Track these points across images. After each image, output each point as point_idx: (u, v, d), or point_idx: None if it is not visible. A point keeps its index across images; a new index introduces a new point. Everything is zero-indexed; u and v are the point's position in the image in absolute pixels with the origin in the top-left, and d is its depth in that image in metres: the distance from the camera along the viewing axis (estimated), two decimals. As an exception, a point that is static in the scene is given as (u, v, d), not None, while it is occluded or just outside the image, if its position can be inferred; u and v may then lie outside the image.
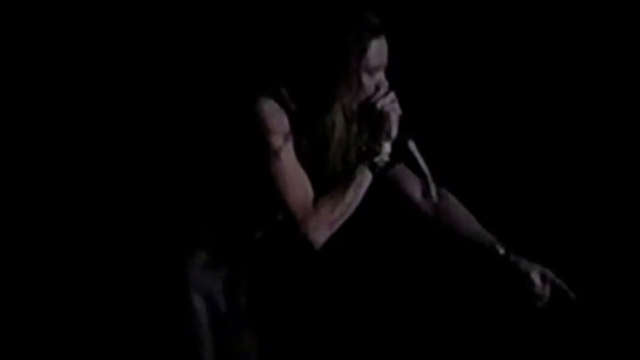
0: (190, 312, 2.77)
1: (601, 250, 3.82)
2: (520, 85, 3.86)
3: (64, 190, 3.86)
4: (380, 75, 2.71)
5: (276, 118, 2.67)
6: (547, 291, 2.85)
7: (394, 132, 2.72)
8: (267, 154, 2.66)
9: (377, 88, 2.71)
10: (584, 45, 3.81)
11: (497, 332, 3.87)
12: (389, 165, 2.75)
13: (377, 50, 2.68)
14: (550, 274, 2.86)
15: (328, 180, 2.74)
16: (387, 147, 2.72)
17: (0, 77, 3.84)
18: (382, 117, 2.71)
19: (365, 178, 2.72)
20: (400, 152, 2.75)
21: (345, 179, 2.72)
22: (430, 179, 2.77)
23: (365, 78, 2.69)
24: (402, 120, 2.73)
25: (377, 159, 2.72)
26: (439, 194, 2.86)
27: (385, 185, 2.89)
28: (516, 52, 3.86)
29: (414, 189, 2.91)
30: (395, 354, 3.94)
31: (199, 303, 2.77)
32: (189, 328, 2.77)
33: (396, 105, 2.72)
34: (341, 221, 2.71)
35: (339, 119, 2.72)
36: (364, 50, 2.66)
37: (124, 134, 3.86)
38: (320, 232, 2.68)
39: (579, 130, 3.85)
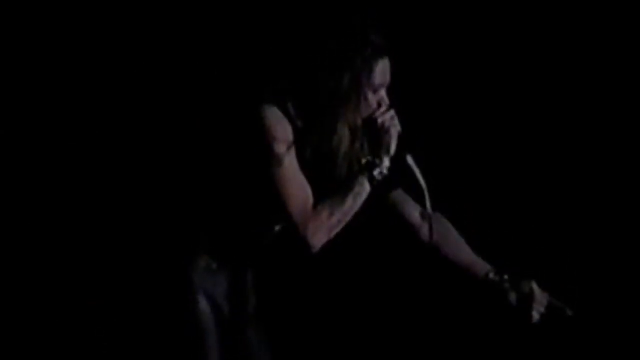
0: (196, 315, 2.86)
1: (598, 260, 3.86)
2: (518, 101, 3.94)
3: (70, 195, 3.93)
4: (383, 93, 2.86)
5: (280, 126, 2.80)
6: (536, 313, 2.95)
7: (394, 147, 2.85)
8: (270, 160, 2.79)
9: (379, 105, 2.85)
10: (581, 52, 3.88)
11: (495, 334, 3.90)
12: (387, 178, 2.88)
13: (382, 69, 2.83)
14: (546, 296, 2.96)
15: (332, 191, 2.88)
16: (386, 161, 2.86)
17: (0, 77, 3.91)
18: (382, 132, 2.85)
19: (363, 189, 2.85)
20: (399, 167, 2.88)
21: (344, 188, 2.85)
22: (427, 193, 2.88)
23: (370, 95, 2.83)
24: (402, 136, 2.86)
25: (376, 172, 2.85)
26: (437, 220, 2.99)
27: (384, 209, 3.02)
28: (513, 68, 3.94)
29: (412, 213, 3.03)
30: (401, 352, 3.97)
31: (203, 306, 2.87)
32: (194, 331, 2.86)
33: (396, 122, 2.86)
34: (338, 228, 2.83)
35: (345, 134, 2.86)
36: (371, 70, 2.81)
37: (129, 138, 3.93)
38: (318, 237, 2.80)
39: (573, 148, 3.91)
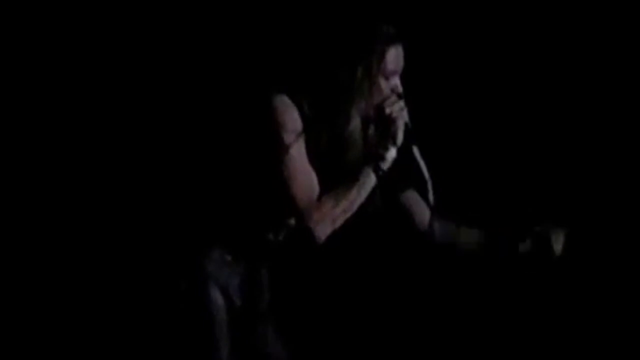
0: (207, 304, 2.87)
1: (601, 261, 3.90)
2: (523, 94, 3.97)
3: (84, 189, 3.92)
4: (396, 80, 2.86)
5: (289, 115, 2.79)
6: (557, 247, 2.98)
7: (400, 138, 2.86)
8: (278, 150, 2.78)
9: (392, 91, 2.86)
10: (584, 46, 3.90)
11: (495, 333, 3.93)
12: (393, 169, 2.89)
13: (394, 55, 2.84)
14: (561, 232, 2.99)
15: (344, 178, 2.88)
16: (392, 151, 2.87)
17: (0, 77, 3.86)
18: (389, 122, 2.86)
19: (368, 180, 2.86)
20: (404, 158, 2.89)
21: (350, 179, 2.86)
22: (430, 184, 2.90)
23: (382, 81, 2.84)
24: (409, 128, 2.87)
25: (381, 163, 2.86)
26: (444, 224, 3.02)
27: (397, 209, 3.05)
28: (521, 65, 3.97)
29: (422, 215, 3.04)
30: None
31: (215, 296, 2.88)
32: (205, 319, 2.87)
33: (404, 113, 2.86)
34: (343, 219, 2.84)
35: (357, 122, 2.86)
36: (382, 56, 2.82)
37: (141, 133, 3.92)
38: (323, 227, 2.81)
39: (580, 145, 3.95)
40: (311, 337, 3.10)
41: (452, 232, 3.07)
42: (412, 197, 3.04)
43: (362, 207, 2.87)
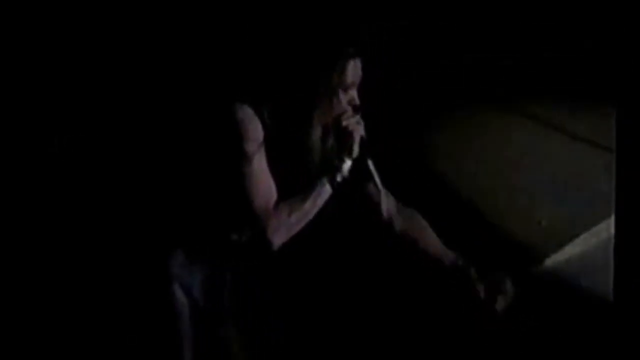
0: (172, 305, 2.93)
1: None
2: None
3: (51, 192, 3.89)
4: (354, 92, 2.93)
5: (251, 125, 2.85)
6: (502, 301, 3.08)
7: (356, 151, 2.94)
8: (239, 159, 2.85)
9: (349, 103, 2.92)
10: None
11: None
12: (348, 181, 2.98)
13: (353, 69, 2.90)
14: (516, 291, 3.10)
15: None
16: (348, 163, 2.95)
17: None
18: (346, 134, 2.94)
19: (324, 190, 2.94)
20: (360, 170, 2.98)
21: (306, 189, 2.94)
22: (383, 195, 3.00)
23: (341, 94, 2.91)
24: (365, 141, 2.95)
25: (337, 174, 2.95)
26: (408, 212, 3.10)
27: (364, 201, 3.12)
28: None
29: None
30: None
31: (180, 297, 2.93)
32: (170, 320, 2.93)
33: (360, 127, 2.94)
34: (298, 227, 2.92)
35: (317, 133, 2.93)
36: (342, 70, 2.88)
37: (105, 139, 3.90)
38: (278, 235, 2.89)
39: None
40: (276, 337, 3.17)
41: (420, 231, 3.13)
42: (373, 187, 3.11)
43: (318, 215, 2.94)
